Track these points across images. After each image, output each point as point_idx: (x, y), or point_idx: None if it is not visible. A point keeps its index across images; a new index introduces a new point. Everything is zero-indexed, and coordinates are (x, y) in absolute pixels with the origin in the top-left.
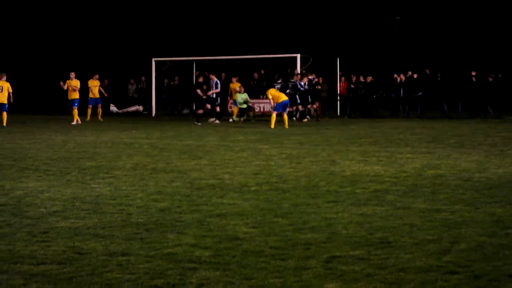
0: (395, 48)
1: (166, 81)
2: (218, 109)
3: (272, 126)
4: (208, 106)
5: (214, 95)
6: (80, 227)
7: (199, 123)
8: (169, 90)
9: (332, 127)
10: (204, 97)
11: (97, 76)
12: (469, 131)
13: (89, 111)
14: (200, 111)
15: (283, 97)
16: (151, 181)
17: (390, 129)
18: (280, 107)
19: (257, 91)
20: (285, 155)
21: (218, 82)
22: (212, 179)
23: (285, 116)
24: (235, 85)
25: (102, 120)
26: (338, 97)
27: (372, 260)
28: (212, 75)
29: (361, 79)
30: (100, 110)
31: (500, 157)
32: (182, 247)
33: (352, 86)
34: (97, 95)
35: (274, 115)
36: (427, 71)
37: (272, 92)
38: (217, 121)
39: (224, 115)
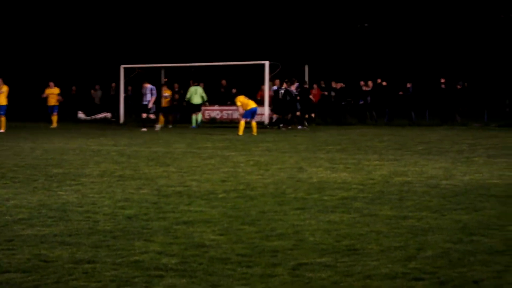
0: (364, 55)
1: (130, 88)
2: (152, 116)
3: (240, 133)
4: (144, 114)
5: (147, 102)
6: (46, 234)
7: (145, 129)
8: (136, 97)
9: (300, 134)
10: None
11: (52, 84)
12: (437, 138)
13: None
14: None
15: (252, 104)
16: (119, 188)
17: (358, 136)
18: (248, 115)
19: (225, 98)
20: (252, 162)
21: (154, 88)
22: (180, 186)
23: (253, 123)
24: (166, 92)
25: (56, 127)
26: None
27: (339, 267)
28: (146, 83)
29: (333, 85)
30: (55, 118)
31: (466, 164)
32: (149, 254)
33: (326, 93)
34: (53, 103)
35: (242, 122)
36: (381, 81)
37: (241, 99)
38: (144, 129)
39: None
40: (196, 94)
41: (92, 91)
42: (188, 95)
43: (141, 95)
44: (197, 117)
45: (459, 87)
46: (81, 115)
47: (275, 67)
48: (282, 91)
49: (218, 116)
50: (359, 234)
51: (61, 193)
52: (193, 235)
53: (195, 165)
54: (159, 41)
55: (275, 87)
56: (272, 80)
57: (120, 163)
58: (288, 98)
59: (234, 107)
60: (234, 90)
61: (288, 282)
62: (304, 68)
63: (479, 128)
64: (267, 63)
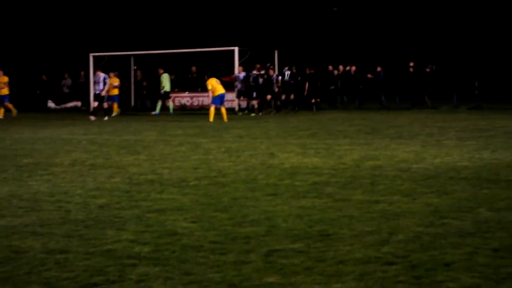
0: (333, 39)
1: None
2: (106, 105)
3: (211, 119)
4: (95, 103)
5: (99, 91)
6: (17, 225)
7: (106, 118)
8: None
9: (271, 120)
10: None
11: (1, 73)
12: (407, 122)
13: (10, 106)
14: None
15: (220, 90)
16: (90, 177)
17: (329, 121)
18: (217, 100)
19: (195, 84)
20: (224, 149)
21: (107, 77)
22: (151, 174)
23: (223, 110)
24: (114, 80)
25: (2, 117)
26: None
27: (312, 253)
28: (99, 71)
29: (307, 71)
30: (3, 109)
31: (437, 147)
32: (122, 243)
33: (299, 78)
34: (4, 92)
35: (212, 108)
36: (350, 68)
37: (213, 83)
38: (105, 118)
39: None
40: (168, 81)
41: (63, 80)
42: (165, 83)
43: (95, 83)
44: (170, 105)
45: (428, 70)
46: (51, 104)
47: (244, 53)
48: (254, 76)
49: (188, 103)
50: (331, 219)
51: (31, 183)
52: (165, 223)
53: (166, 153)
54: (128, 28)
55: (242, 73)
56: (242, 65)
57: (91, 152)
58: (260, 83)
59: (205, 94)
60: (206, 76)
61: (261, 269)
62: (274, 53)
63: (448, 111)
64: (236, 49)
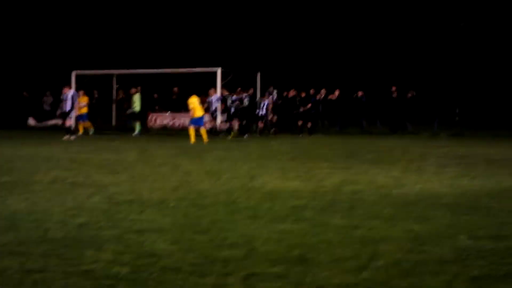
0: (315, 63)
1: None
2: (68, 123)
3: (193, 140)
4: (67, 122)
5: (67, 109)
6: None
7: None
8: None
9: (253, 142)
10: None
11: None
12: (388, 147)
13: None
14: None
15: (201, 112)
16: (69, 196)
17: (309, 145)
18: (197, 121)
19: (177, 105)
20: (204, 171)
21: (75, 94)
22: (131, 194)
23: (203, 130)
24: (82, 99)
25: None
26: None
27: (290, 277)
28: (67, 88)
29: (284, 94)
30: None
31: (418, 173)
32: (100, 263)
33: (280, 101)
34: None
35: (191, 129)
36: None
37: (195, 102)
38: (71, 137)
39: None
40: (139, 101)
41: (45, 97)
42: (137, 103)
43: (61, 101)
44: (137, 126)
45: (409, 95)
46: (31, 121)
47: (227, 74)
48: (233, 99)
49: (170, 123)
50: (310, 243)
51: (9, 201)
52: (144, 244)
53: (147, 173)
54: (111, 47)
55: (215, 96)
56: (225, 87)
57: (72, 170)
58: (240, 106)
59: (186, 114)
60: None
61: None
62: (257, 75)
63: (429, 137)
64: (219, 70)
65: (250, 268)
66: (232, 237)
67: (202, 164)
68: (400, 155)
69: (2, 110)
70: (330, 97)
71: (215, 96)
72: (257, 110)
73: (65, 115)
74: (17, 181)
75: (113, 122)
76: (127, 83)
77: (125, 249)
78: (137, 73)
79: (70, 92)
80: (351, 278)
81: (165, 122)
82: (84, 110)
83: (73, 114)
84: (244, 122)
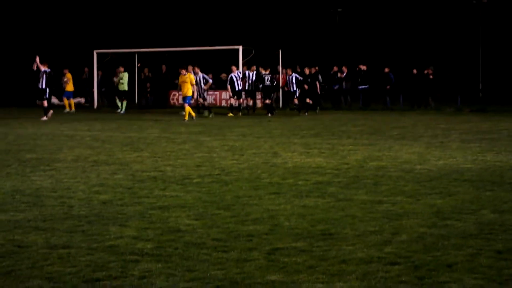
0: (337, 40)
1: (100, 73)
2: (45, 103)
3: (189, 117)
4: (45, 102)
5: (44, 88)
6: (20, 220)
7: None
8: (109, 83)
9: (274, 119)
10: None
11: None
12: (411, 123)
13: None
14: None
15: (190, 91)
16: (93, 173)
17: (332, 121)
18: (189, 99)
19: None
20: (227, 147)
21: (48, 71)
22: (154, 171)
23: (187, 108)
24: (66, 77)
25: None
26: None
27: (314, 252)
28: (44, 65)
29: (306, 71)
30: None
31: (440, 149)
32: (124, 239)
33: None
34: None
35: (187, 107)
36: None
37: (192, 79)
38: (44, 118)
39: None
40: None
41: (63, 76)
42: (125, 81)
43: (40, 78)
44: (124, 104)
45: (426, 72)
46: (54, 100)
47: (248, 52)
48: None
49: (192, 101)
50: (334, 218)
51: (34, 178)
52: (168, 220)
53: (170, 150)
54: (132, 25)
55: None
56: (246, 64)
57: (94, 148)
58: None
59: (210, 91)
60: (223, 75)
61: (263, 267)
62: (278, 53)
63: (452, 113)
64: (240, 47)
65: (274, 243)
66: (256, 213)
67: (225, 141)
68: (423, 131)
69: (25, 89)
70: (339, 75)
71: (237, 72)
72: (289, 86)
73: (42, 94)
74: (42, 158)
75: (136, 100)
76: (149, 62)
77: (149, 225)
78: (158, 51)
79: (44, 69)
80: (375, 253)
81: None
82: (69, 88)
83: (48, 93)
84: (268, 101)
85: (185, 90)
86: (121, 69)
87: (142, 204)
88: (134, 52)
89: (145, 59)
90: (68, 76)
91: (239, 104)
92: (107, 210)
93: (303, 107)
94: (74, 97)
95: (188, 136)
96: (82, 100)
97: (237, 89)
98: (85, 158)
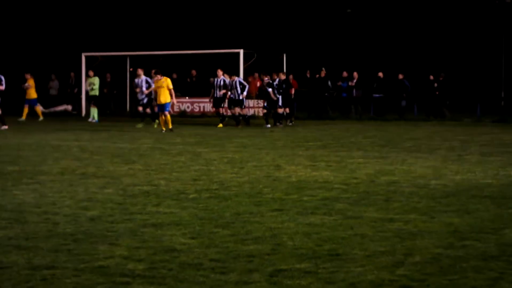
0: (345, 44)
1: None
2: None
3: (169, 126)
4: None
5: None
6: (0, 238)
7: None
8: (100, 88)
9: (277, 129)
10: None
11: None
12: (426, 135)
13: None
14: None
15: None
16: (80, 188)
17: (341, 132)
18: (168, 106)
19: (194, 89)
20: (226, 160)
21: (2, 78)
22: (147, 185)
23: (169, 117)
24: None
25: None
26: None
27: (320, 274)
28: None
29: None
30: None
31: (458, 163)
32: (114, 259)
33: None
34: None
35: (168, 115)
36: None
37: (170, 84)
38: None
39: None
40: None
41: (50, 81)
42: (96, 87)
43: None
44: (95, 111)
45: (441, 79)
46: (40, 107)
47: (250, 56)
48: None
49: (188, 109)
50: (341, 237)
51: (16, 192)
52: (162, 239)
53: (164, 163)
54: (124, 27)
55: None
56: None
57: (82, 160)
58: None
59: (205, 99)
60: (212, 80)
61: None
62: (282, 57)
63: (471, 124)
64: (241, 51)
65: (277, 264)
66: (257, 231)
67: (224, 153)
68: (439, 143)
69: (6, 96)
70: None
71: (222, 78)
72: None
73: None
74: (24, 171)
75: (127, 108)
76: (145, 66)
77: (141, 244)
78: (152, 55)
79: None
80: (386, 275)
81: (183, 107)
82: (31, 95)
83: None
84: (281, 110)
85: (163, 96)
86: (91, 73)
87: (133, 221)
88: (126, 56)
89: (139, 64)
90: (30, 82)
91: (217, 113)
92: (96, 227)
93: (277, 118)
94: (60, 104)
95: (184, 147)
96: (69, 107)
97: (215, 95)
98: (72, 171)
